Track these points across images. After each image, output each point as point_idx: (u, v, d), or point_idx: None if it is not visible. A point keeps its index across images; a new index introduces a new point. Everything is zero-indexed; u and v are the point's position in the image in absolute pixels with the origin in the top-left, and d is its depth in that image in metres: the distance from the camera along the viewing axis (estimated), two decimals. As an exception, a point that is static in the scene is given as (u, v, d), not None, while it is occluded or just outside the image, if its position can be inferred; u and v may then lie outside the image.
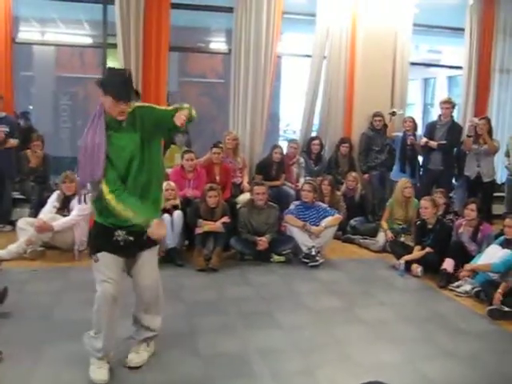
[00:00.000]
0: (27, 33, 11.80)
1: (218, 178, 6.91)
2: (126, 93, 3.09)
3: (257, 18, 7.76)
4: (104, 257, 3.28)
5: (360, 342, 4.06)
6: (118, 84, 3.08)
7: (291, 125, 17.87)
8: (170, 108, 3.23)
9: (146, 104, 3.31)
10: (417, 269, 5.73)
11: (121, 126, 3.16)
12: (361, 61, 8.27)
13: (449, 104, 7.53)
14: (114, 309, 3.33)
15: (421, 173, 7.86)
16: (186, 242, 6.25)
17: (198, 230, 5.95)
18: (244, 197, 6.91)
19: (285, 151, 7.80)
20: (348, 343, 4.03)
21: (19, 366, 3.48)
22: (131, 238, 3.27)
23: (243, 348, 3.88)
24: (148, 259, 3.45)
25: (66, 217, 5.98)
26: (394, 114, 7.93)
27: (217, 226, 5.96)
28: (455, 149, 7.80)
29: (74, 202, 6.04)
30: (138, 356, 3.56)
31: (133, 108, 3.17)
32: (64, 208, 6.08)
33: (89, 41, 12.81)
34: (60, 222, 5.92)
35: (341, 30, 8.15)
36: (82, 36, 12.68)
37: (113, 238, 3.26)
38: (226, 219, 6.01)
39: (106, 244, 3.28)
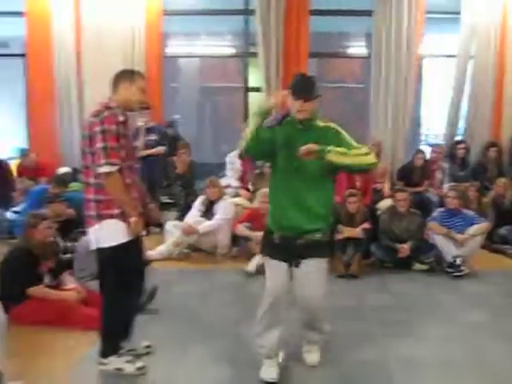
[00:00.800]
0: (174, 47, 12.48)
1: (358, 183, 6.84)
2: (305, 92, 3.22)
3: (397, 20, 7.60)
4: (268, 258, 3.42)
5: (504, 359, 3.78)
6: (296, 83, 3.26)
7: (432, 129, 17.21)
8: (363, 150, 3.24)
9: (342, 131, 3.33)
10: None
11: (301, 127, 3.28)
12: (511, 60, 7.76)
13: None
14: (276, 309, 3.37)
15: None
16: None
17: (338, 236, 5.92)
18: (385, 203, 6.76)
19: (428, 156, 7.54)
20: (497, 363, 3.74)
21: (167, 360, 3.68)
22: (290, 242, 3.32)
23: (382, 356, 3.79)
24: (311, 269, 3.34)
25: (210, 220, 6.24)
26: None
27: (357, 232, 5.89)
28: None
29: (218, 207, 6.30)
30: (310, 355, 3.66)
31: (327, 125, 3.31)
32: (208, 212, 6.35)
33: (231, 51, 13.28)
34: (205, 225, 6.19)
35: (488, 26, 7.73)
36: (224, 47, 13.18)
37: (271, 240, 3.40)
38: (366, 225, 5.92)
39: (266, 246, 3.46)
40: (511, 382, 3.50)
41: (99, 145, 3.16)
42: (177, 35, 12.41)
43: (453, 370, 3.60)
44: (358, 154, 3.17)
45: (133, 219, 3.25)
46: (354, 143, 3.27)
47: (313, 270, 3.29)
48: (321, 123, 3.32)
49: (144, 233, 3.53)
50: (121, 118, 3.27)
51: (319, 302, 3.38)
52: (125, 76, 3.38)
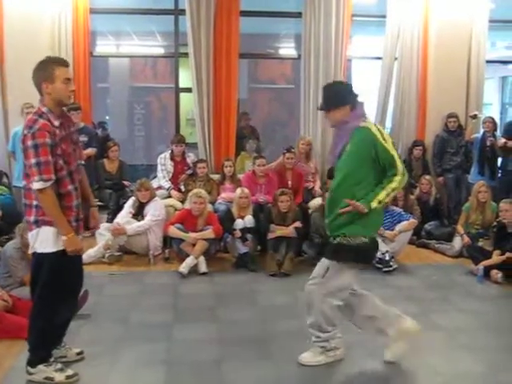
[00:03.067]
0: (103, 46, 12.24)
1: (290, 182, 6.92)
2: (321, 105, 3.57)
3: (326, 22, 7.72)
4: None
5: (438, 350, 3.93)
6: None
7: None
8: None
9: (374, 136, 3.38)
10: (496, 275, 5.50)
11: None
12: (434, 61, 8.06)
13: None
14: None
15: (499, 175, 7.56)
16: (259, 247, 6.28)
17: (271, 235, 5.96)
18: (316, 202, 6.87)
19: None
20: (426, 351, 3.90)
21: (98, 365, 3.60)
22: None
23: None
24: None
25: (140, 221, 6.16)
26: (475, 117, 7.69)
27: (289, 230, 5.96)
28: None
29: (149, 208, 6.23)
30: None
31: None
32: (139, 214, 6.27)
33: (161, 51, 13.16)
34: (133, 225, 6.11)
35: (412, 29, 7.98)
36: (154, 47, 13.04)
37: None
38: (298, 224, 6.00)
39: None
40: (438, 367, 3.63)
41: (32, 160, 3.06)
42: (106, 34, 12.19)
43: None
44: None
45: (63, 238, 3.17)
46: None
47: None
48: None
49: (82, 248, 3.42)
50: (56, 123, 3.16)
51: None
52: (43, 76, 3.17)
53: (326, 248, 3.57)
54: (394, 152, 3.36)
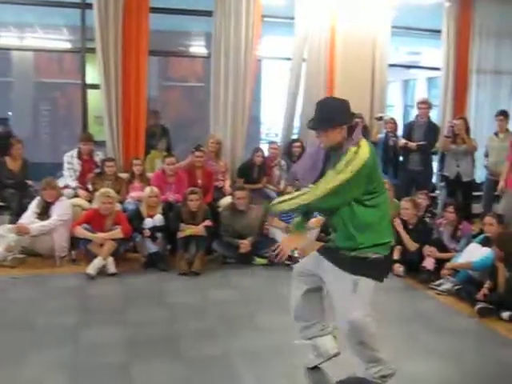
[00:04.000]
0: (5, 38, 11.69)
1: (200, 181, 6.91)
2: (311, 123, 3.15)
3: (236, 22, 7.76)
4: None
5: (343, 342, 4.06)
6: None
7: (273, 128, 17.88)
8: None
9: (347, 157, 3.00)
10: (398, 268, 5.76)
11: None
12: (340, 63, 8.30)
13: (426, 104, 7.61)
14: None
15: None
16: (169, 247, 6.23)
17: (180, 234, 5.94)
18: (226, 200, 6.90)
19: (266, 154, 7.81)
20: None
21: (2, 371, 3.46)
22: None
23: (226, 351, 3.88)
24: None
25: (44, 221, 5.95)
26: (380, 118, 8.01)
27: (199, 229, 5.96)
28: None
29: (54, 208, 6.02)
30: None
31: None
32: (44, 214, 6.04)
33: (67, 46, 12.73)
34: (37, 225, 5.89)
35: (320, 32, 8.17)
36: (60, 41, 12.59)
37: None
38: (207, 223, 6.01)
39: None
40: (342, 357, 3.65)
41: None
42: (7, 26, 11.64)
43: (296, 357, 3.76)
44: (295, 196, 3.12)
45: None
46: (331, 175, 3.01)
47: None
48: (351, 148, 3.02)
49: None
50: None
51: None
52: None
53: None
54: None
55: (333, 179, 2.98)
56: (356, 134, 3.06)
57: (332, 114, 3.08)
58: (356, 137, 3.05)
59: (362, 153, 3.00)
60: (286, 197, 3.22)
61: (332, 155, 3.13)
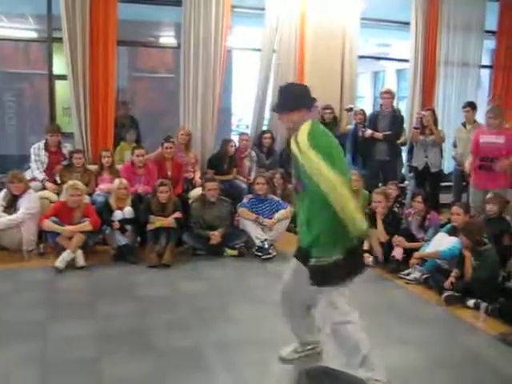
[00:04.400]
0: (-32, 27, 11.41)
1: (169, 173, 6.88)
2: (276, 105, 3.24)
3: (205, 12, 7.71)
4: None
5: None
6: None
7: (244, 119, 17.87)
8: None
9: (303, 144, 3.00)
10: (368, 258, 5.82)
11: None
12: (310, 54, 8.32)
13: (389, 94, 7.68)
14: None
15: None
16: (139, 239, 6.19)
17: (150, 226, 5.91)
18: (196, 192, 6.88)
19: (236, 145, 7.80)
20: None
21: (-34, 369, 3.39)
22: None
23: (197, 343, 3.87)
24: None
25: (12, 215, 5.85)
26: (351, 109, 8.07)
27: (169, 221, 5.93)
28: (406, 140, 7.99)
29: (22, 201, 5.92)
30: None
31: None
32: (11, 207, 5.93)
33: (33, 35, 12.47)
34: (4, 219, 5.79)
35: (290, 23, 8.17)
36: (26, 30, 12.32)
37: None
38: (177, 214, 5.98)
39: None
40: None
41: None
42: (-29, 15, 11.36)
43: (268, 346, 3.79)
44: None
45: None
46: None
47: None
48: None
49: None
50: None
51: None
52: None
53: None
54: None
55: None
56: (312, 116, 3.18)
57: (292, 98, 3.19)
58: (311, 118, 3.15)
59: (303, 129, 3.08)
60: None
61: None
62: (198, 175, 7.38)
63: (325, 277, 3.06)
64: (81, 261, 5.56)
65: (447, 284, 4.88)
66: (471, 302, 4.69)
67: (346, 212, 2.89)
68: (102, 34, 7.37)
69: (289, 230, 6.78)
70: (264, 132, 8.21)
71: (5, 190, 6.05)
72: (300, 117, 3.13)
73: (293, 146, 3.07)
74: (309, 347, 3.58)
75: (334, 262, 3.03)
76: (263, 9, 8.17)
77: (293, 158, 3.12)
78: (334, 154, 3.04)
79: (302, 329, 3.56)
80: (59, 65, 7.83)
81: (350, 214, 2.88)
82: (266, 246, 6.04)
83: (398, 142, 7.84)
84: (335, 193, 2.88)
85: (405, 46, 9.62)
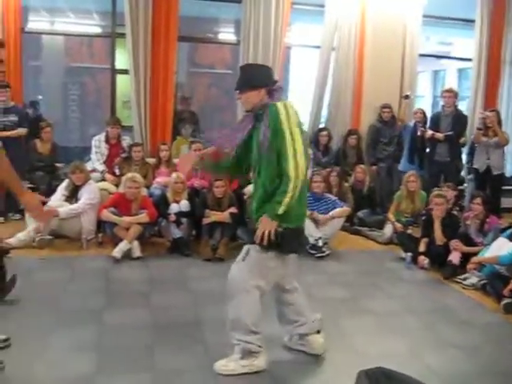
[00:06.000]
0: (36, 22, 11.80)
1: (226, 168, 6.91)
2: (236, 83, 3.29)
3: (265, 9, 7.73)
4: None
5: (365, 333, 4.06)
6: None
7: (301, 117, 17.79)
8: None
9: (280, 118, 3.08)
10: (423, 261, 5.71)
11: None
12: (370, 52, 8.23)
13: (451, 93, 7.44)
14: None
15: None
16: (194, 233, 6.27)
17: (206, 221, 5.96)
18: (251, 187, 6.89)
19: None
20: (353, 333, 4.04)
21: (26, 352, 3.51)
22: None
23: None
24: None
25: (74, 204, 6.02)
26: (407, 97, 7.95)
27: (224, 216, 5.97)
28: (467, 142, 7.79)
29: (83, 191, 6.09)
30: None
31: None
32: (73, 197, 6.12)
33: (98, 30, 12.81)
34: (66, 208, 5.96)
35: (350, 20, 8.11)
36: (91, 26, 12.68)
37: None
38: (233, 209, 6.02)
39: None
40: (363, 348, 3.73)
41: None
42: (39, 10, 11.75)
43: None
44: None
45: None
46: None
47: None
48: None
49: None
50: None
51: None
52: None
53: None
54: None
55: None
56: (277, 97, 3.18)
57: (250, 77, 3.25)
58: (277, 100, 3.16)
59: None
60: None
61: (257, 124, 3.21)
62: (253, 171, 7.39)
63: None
64: (137, 252, 5.68)
65: (506, 291, 4.72)
66: (531, 311, 4.53)
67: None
68: (164, 30, 7.50)
69: (344, 229, 6.74)
70: (321, 130, 8.16)
71: (67, 180, 6.25)
72: (258, 97, 3.18)
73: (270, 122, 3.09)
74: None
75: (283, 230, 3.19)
76: (323, 6, 8.13)
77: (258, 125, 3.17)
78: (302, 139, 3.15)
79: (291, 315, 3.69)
80: (121, 59, 8.02)
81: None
82: (320, 243, 6.00)
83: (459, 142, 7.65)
84: (297, 180, 3.02)
85: (467, 44, 9.37)
